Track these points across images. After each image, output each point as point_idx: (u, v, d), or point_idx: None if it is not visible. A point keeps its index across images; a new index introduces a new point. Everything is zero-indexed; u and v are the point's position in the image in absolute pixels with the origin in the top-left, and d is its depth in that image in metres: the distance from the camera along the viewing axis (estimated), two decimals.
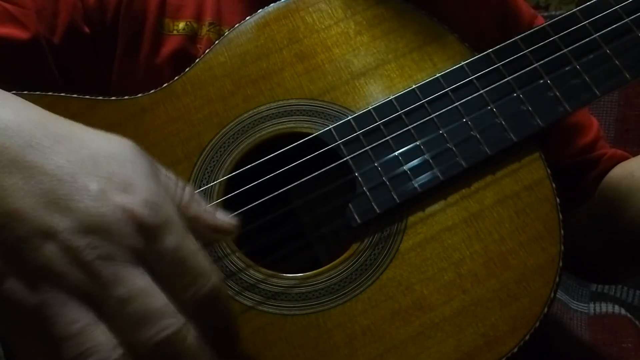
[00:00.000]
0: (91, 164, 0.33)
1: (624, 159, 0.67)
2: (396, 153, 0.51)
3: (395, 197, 0.49)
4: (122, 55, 0.60)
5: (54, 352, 0.30)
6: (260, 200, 0.48)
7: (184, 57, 0.59)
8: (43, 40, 0.56)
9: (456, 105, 0.52)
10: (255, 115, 0.53)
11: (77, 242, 0.31)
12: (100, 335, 0.30)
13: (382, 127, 0.51)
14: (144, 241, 0.32)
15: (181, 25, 0.61)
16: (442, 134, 0.51)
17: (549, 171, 0.51)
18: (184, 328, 0.32)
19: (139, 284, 0.32)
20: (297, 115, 0.53)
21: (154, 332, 0.31)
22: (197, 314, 0.34)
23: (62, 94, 0.52)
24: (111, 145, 0.35)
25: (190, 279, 0.34)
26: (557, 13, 0.55)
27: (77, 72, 0.59)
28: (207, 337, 0.34)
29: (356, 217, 0.49)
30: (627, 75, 0.52)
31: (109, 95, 0.54)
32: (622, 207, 0.60)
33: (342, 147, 0.51)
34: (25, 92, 0.49)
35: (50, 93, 0.51)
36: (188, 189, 0.38)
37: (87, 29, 0.59)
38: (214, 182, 0.50)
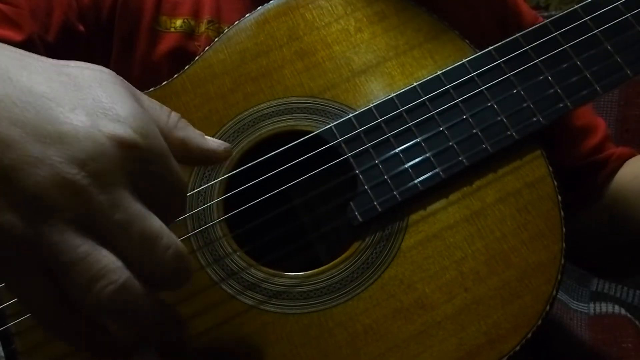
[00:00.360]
0: (74, 90, 0.32)
1: (631, 156, 0.67)
2: (397, 151, 0.50)
3: (396, 195, 0.49)
4: (118, 54, 0.60)
5: (63, 284, 0.30)
6: (260, 199, 0.48)
7: (182, 54, 0.59)
8: (37, 40, 0.56)
9: (457, 102, 0.51)
10: (255, 113, 0.53)
11: (69, 169, 0.30)
12: (107, 258, 0.30)
13: (383, 124, 0.51)
14: (136, 166, 0.32)
15: (178, 22, 0.60)
16: (443, 131, 0.51)
17: (550, 168, 0.51)
18: (180, 247, 0.33)
19: (136, 208, 0.31)
20: (298, 113, 0.52)
21: (160, 250, 0.32)
22: None
23: None
24: (91, 72, 0.34)
25: (177, 201, 0.35)
26: (557, 13, 0.55)
27: None
28: None
29: (357, 216, 0.49)
30: (629, 72, 0.52)
31: None
32: (632, 208, 0.61)
33: (342, 145, 0.51)
34: None
35: None
36: (174, 113, 0.38)
37: (81, 27, 0.58)
38: (214, 180, 0.50)
